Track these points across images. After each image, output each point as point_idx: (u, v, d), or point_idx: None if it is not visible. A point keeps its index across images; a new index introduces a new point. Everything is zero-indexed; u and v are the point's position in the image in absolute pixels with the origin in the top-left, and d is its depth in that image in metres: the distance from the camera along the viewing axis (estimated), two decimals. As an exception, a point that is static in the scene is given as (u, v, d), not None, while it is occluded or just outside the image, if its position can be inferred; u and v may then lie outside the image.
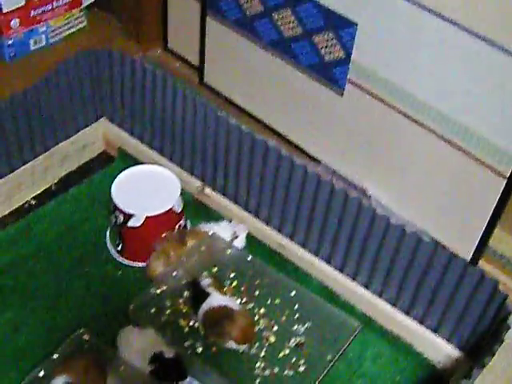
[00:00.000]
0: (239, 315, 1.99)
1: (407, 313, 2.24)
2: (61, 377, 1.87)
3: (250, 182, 2.38)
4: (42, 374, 1.96)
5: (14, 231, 2.50)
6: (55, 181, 2.67)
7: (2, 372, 2.12)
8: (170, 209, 2.34)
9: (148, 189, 2.41)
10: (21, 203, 2.59)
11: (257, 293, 2.17)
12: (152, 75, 2.44)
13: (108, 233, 2.49)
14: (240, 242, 2.36)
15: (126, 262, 2.42)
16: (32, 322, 2.26)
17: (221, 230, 2.35)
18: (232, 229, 2.36)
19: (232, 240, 2.33)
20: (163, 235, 2.33)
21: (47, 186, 2.65)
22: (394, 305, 2.25)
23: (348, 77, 2.32)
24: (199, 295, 2.07)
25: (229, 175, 2.43)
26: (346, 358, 2.19)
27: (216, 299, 2.03)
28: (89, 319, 2.15)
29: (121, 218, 2.33)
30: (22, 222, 2.54)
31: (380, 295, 2.27)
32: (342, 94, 2.38)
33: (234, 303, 2.04)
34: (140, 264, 2.40)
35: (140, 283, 2.34)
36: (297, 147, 2.61)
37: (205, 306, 2.03)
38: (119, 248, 2.41)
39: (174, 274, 2.20)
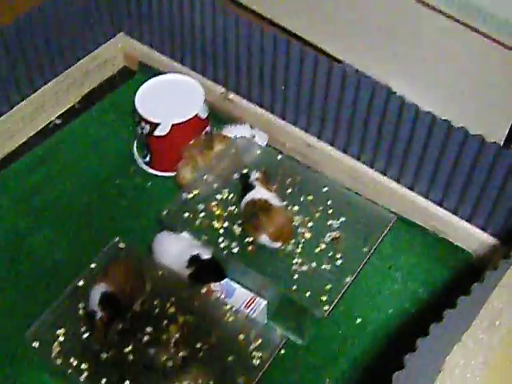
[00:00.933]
0: (277, 211, 1.98)
1: (440, 204, 2.23)
2: (100, 286, 1.86)
3: (273, 85, 2.35)
4: (81, 283, 1.96)
5: (42, 152, 2.51)
6: (78, 99, 2.67)
7: (43, 284, 2.15)
8: (196, 115, 2.33)
9: (172, 97, 2.39)
10: (46, 123, 2.59)
11: (289, 191, 2.16)
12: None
13: (135, 145, 2.48)
14: (261, 142, 2.36)
15: (154, 172, 2.41)
16: (67, 237, 2.28)
17: (240, 133, 2.33)
18: (251, 132, 2.34)
19: (253, 140, 2.32)
20: (190, 142, 2.31)
21: (71, 104, 2.64)
22: (426, 197, 2.23)
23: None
24: (245, 187, 2.06)
25: (252, 79, 2.41)
26: (382, 251, 2.20)
27: (259, 192, 2.02)
28: (123, 230, 2.15)
29: (147, 128, 2.32)
30: (48, 142, 2.54)
31: (412, 188, 2.25)
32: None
33: (276, 200, 2.03)
34: (169, 173, 2.39)
35: (171, 192, 2.35)
36: (320, 50, 2.56)
37: (247, 198, 2.02)
38: (147, 159, 2.40)
39: (205, 178, 2.18)
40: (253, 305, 2.00)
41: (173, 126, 2.28)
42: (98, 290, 1.85)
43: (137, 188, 2.39)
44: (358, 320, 2.11)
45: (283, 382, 1.99)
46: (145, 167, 2.42)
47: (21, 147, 2.51)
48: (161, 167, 2.38)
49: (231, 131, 2.34)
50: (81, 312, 1.91)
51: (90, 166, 2.45)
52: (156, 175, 2.41)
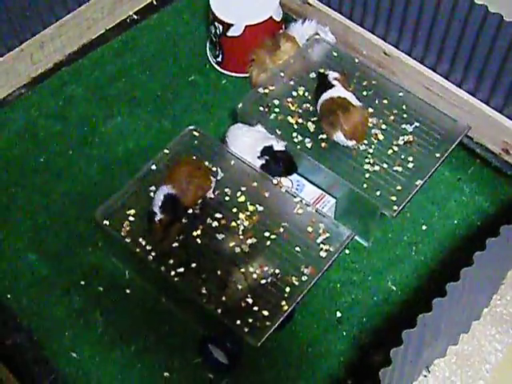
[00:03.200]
0: (355, 110, 1.98)
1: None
2: (164, 187, 1.88)
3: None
4: (153, 167, 1.99)
5: (118, 44, 2.54)
6: (155, -4, 2.66)
7: (115, 170, 2.22)
8: (270, 17, 2.33)
9: (246, -2, 2.36)
10: (123, 17, 2.60)
11: (364, 93, 2.15)
12: None
13: (208, 45, 2.48)
14: (328, 37, 2.35)
15: (227, 72, 2.42)
16: (139, 127, 2.32)
17: (306, 30, 2.33)
18: (317, 28, 2.34)
19: (318, 37, 2.32)
20: (260, 43, 2.31)
21: (149, 0, 2.63)
22: (501, 112, 2.20)
23: None
24: (323, 85, 2.05)
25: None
26: (452, 164, 2.23)
27: (338, 91, 2.02)
28: (196, 124, 2.16)
29: (220, 28, 2.33)
30: (125, 35, 2.56)
31: (487, 103, 2.22)
32: None
33: (355, 99, 2.02)
34: (241, 74, 2.40)
35: (244, 91, 2.35)
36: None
37: (325, 96, 2.02)
38: (219, 59, 2.41)
39: (281, 75, 2.18)
40: (321, 201, 2.01)
41: (246, 27, 2.29)
42: (162, 191, 1.86)
43: (210, 85, 2.41)
44: (424, 227, 2.12)
45: (345, 282, 2.02)
46: (217, 67, 2.41)
47: (98, 38, 2.54)
48: (233, 67, 2.40)
49: (296, 29, 2.32)
50: (152, 195, 1.93)
51: (164, 62, 2.47)
52: (228, 75, 2.41)
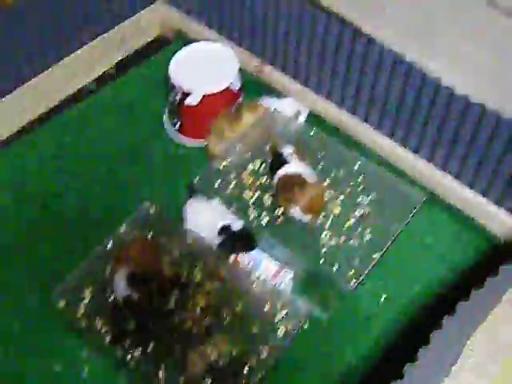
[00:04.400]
0: (311, 185, 1.98)
1: (471, 186, 2.21)
2: (121, 271, 1.87)
3: (309, 59, 2.35)
4: (110, 245, 1.97)
5: (74, 114, 2.52)
6: (113, 64, 2.67)
7: (72, 245, 2.17)
8: (228, 86, 2.33)
9: (206, 66, 2.38)
10: (80, 87, 2.59)
11: (320, 165, 2.15)
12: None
13: (166, 113, 2.48)
14: (299, 117, 2.34)
15: (185, 141, 2.41)
16: (97, 201, 2.30)
17: (284, 107, 2.32)
18: (295, 106, 2.33)
19: (294, 117, 2.30)
20: (220, 112, 2.31)
21: (105, 69, 2.64)
22: (457, 178, 2.22)
23: None
24: (278, 160, 2.06)
25: (289, 52, 2.39)
26: (411, 230, 2.18)
27: (293, 167, 2.02)
28: (152, 197, 2.15)
29: (178, 96, 2.32)
30: (81, 106, 2.55)
31: (443, 169, 2.24)
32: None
33: (311, 174, 2.03)
34: (199, 142, 2.39)
35: (202, 161, 2.35)
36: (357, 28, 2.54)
37: (281, 172, 2.02)
38: (177, 127, 2.40)
39: (237, 148, 2.18)
40: (279, 276, 2.01)
41: (204, 95, 2.28)
42: (120, 275, 1.86)
43: (168, 155, 2.40)
44: (383, 297, 2.11)
45: (304, 356, 2.00)
46: (175, 135, 2.41)
47: (54, 109, 2.52)
48: (191, 136, 2.40)
49: (275, 103, 2.32)
50: (107, 275, 1.92)
51: (121, 132, 2.46)
52: (186, 143, 2.41)
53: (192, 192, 2.13)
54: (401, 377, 1.40)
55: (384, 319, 2.06)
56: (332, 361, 1.99)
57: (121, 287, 1.83)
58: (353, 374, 1.97)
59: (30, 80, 2.40)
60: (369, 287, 2.10)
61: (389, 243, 1.98)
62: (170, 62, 2.38)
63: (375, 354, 2.00)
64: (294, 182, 1.96)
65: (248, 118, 2.26)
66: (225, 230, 1.98)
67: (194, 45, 2.43)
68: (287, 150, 2.04)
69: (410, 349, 1.58)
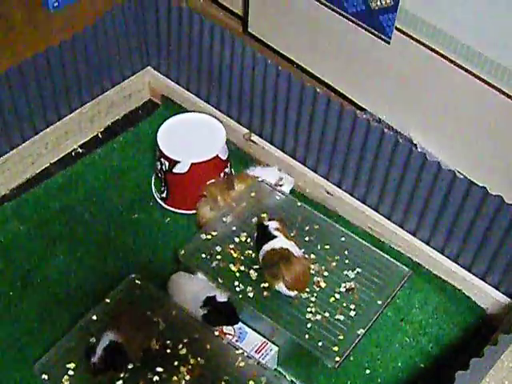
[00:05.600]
0: (297, 261, 1.99)
1: (455, 260, 2.23)
2: (109, 334, 1.87)
3: (297, 130, 2.37)
4: (94, 317, 1.97)
5: (62, 179, 2.53)
6: (102, 129, 2.68)
7: (56, 315, 2.16)
8: (216, 155, 2.34)
9: (193, 136, 2.41)
10: (68, 151, 2.61)
11: (306, 239, 2.16)
12: (199, 23, 2.42)
13: (153, 180, 2.49)
14: (286, 189, 2.35)
15: (171, 209, 2.42)
16: (82, 268, 2.29)
17: (267, 175, 2.34)
18: (278, 175, 2.34)
19: (277, 185, 2.31)
20: (210, 181, 2.32)
21: (94, 134, 2.66)
22: (442, 252, 2.24)
23: (395, 24, 2.29)
24: (264, 235, 2.06)
25: (276, 123, 2.43)
26: (395, 304, 2.20)
27: (279, 242, 2.03)
28: (138, 266, 2.17)
29: (166, 164, 2.34)
30: (69, 170, 2.56)
31: (428, 242, 2.26)
32: (388, 43, 2.35)
33: (296, 249, 2.03)
34: (185, 211, 2.41)
35: (188, 230, 2.36)
36: (342, 96, 2.59)
37: (267, 247, 2.03)
38: (164, 195, 2.42)
39: (224, 219, 2.19)
40: (264, 350, 2.01)
41: (192, 164, 2.30)
42: (106, 339, 1.86)
43: (154, 223, 2.41)
44: (367, 371, 2.11)
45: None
46: (162, 203, 2.42)
47: (42, 173, 2.53)
48: (177, 204, 2.40)
49: (258, 172, 2.34)
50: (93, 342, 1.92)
51: (108, 198, 2.46)
52: (173, 212, 2.41)
53: (178, 263, 2.12)
54: None
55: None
56: None
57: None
58: None
59: (18, 145, 2.41)
60: (353, 361, 2.10)
61: (373, 319, 1.98)
62: (158, 127, 2.41)
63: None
64: (280, 258, 1.97)
65: (239, 188, 2.27)
66: (209, 301, 1.98)
67: (181, 115, 2.46)
68: (273, 225, 2.05)
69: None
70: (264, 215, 2.18)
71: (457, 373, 1.49)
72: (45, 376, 1.86)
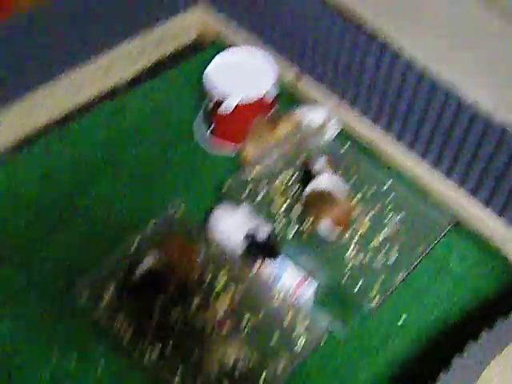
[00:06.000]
0: (341, 202, 1.98)
1: (500, 215, 2.19)
2: (149, 260, 1.89)
3: (349, 72, 2.34)
4: (135, 244, 1.98)
5: (109, 109, 2.52)
6: (150, 64, 2.66)
7: (97, 241, 2.16)
8: (264, 94, 2.32)
9: (243, 73, 2.37)
10: (116, 83, 2.60)
11: (351, 181, 2.15)
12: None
13: (199, 118, 2.48)
14: (332, 130, 2.33)
15: (215, 146, 2.41)
16: (124, 197, 2.29)
17: (315, 116, 2.32)
18: (326, 116, 2.32)
19: (324, 126, 2.29)
20: (256, 120, 2.30)
21: (142, 67, 2.64)
22: (486, 206, 2.21)
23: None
24: (310, 173, 2.06)
25: (327, 64, 2.39)
26: (435, 254, 2.17)
27: (325, 181, 2.02)
28: (179, 199, 2.16)
29: (212, 103, 2.32)
30: (115, 102, 2.55)
31: (473, 194, 2.22)
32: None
33: (341, 190, 2.02)
34: (229, 149, 2.40)
35: (230, 168, 2.35)
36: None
37: (312, 186, 2.02)
38: (210, 132, 2.40)
39: (269, 158, 2.17)
40: (302, 287, 2.00)
41: (238, 104, 2.28)
42: (147, 261, 1.87)
43: (197, 159, 2.40)
44: (402, 319, 2.09)
45: (319, 371, 1.98)
46: (206, 140, 2.40)
47: (89, 103, 2.52)
48: (220, 144, 2.39)
49: (306, 113, 2.32)
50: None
51: (152, 131, 2.46)
52: (216, 150, 2.40)
53: (220, 198, 2.12)
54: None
55: (402, 340, 2.05)
56: (345, 378, 1.98)
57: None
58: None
59: (68, 72, 2.41)
60: (389, 307, 2.08)
61: (413, 265, 1.97)
62: (206, 65, 2.38)
63: (391, 375, 1.99)
64: (323, 199, 1.97)
65: (283, 128, 2.25)
66: (251, 236, 1.98)
67: (232, 50, 2.41)
68: (320, 162, 2.03)
69: (426, 373, 1.57)
70: (311, 155, 2.15)
71: (482, 331, 1.47)
72: (85, 295, 1.87)
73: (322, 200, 1.96)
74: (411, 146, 2.30)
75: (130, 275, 1.87)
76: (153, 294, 1.88)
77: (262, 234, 1.98)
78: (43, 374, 1.92)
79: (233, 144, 2.36)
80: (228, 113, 2.28)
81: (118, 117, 2.49)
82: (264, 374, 1.78)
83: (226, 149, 2.39)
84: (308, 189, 2.00)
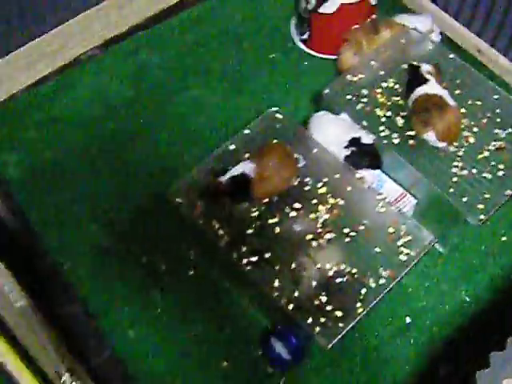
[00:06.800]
0: (451, 110, 1.87)
1: None
2: (245, 164, 1.80)
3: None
4: (232, 146, 1.90)
5: (198, 12, 2.44)
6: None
7: (188, 145, 2.11)
8: (367, -1, 2.18)
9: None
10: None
11: (457, 92, 2.04)
12: None
13: (294, 21, 2.37)
14: (436, 39, 2.21)
15: (311, 52, 2.32)
16: (215, 101, 2.23)
17: (417, 24, 2.20)
18: (430, 24, 2.21)
19: (428, 34, 2.18)
20: (356, 26, 2.20)
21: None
22: None
23: None
24: (416, 79, 1.94)
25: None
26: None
27: (433, 87, 1.91)
28: (275, 103, 2.07)
29: (313, 2, 2.21)
30: (206, 4, 2.47)
31: None
32: None
33: (451, 99, 1.91)
34: (326, 55, 2.30)
35: (327, 75, 2.26)
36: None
37: (419, 91, 1.91)
38: (305, 36, 2.30)
39: (371, 63, 2.07)
40: (401, 201, 1.92)
41: (341, 4, 2.17)
42: (239, 167, 1.78)
43: (292, 65, 2.32)
44: (503, 238, 2.02)
45: (418, 287, 1.94)
46: (301, 45, 2.31)
47: (177, 5, 2.45)
48: (318, 47, 2.29)
49: (408, 20, 2.20)
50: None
51: (244, 36, 2.38)
52: (312, 55, 2.31)
53: (319, 103, 2.03)
54: None
55: (502, 259, 1.98)
56: (445, 295, 1.93)
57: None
58: (466, 312, 1.88)
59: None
60: (491, 225, 2.00)
61: (521, 182, 1.87)
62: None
63: (490, 294, 1.93)
64: (433, 104, 1.86)
65: (385, 34, 2.15)
66: (354, 142, 1.89)
67: None
68: (426, 68, 1.93)
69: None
70: (415, 62, 2.04)
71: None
72: (179, 200, 1.80)
73: (432, 105, 1.85)
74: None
75: (222, 179, 1.79)
76: (246, 198, 1.79)
77: (366, 140, 1.88)
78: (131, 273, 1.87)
79: (330, 49, 2.27)
80: (328, 14, 2.16)
81: (207, 20, 2.43)
82: (366, 286, 1.70)
83: (324, 52, 2.31)
84: (417, 93, 1.89)
